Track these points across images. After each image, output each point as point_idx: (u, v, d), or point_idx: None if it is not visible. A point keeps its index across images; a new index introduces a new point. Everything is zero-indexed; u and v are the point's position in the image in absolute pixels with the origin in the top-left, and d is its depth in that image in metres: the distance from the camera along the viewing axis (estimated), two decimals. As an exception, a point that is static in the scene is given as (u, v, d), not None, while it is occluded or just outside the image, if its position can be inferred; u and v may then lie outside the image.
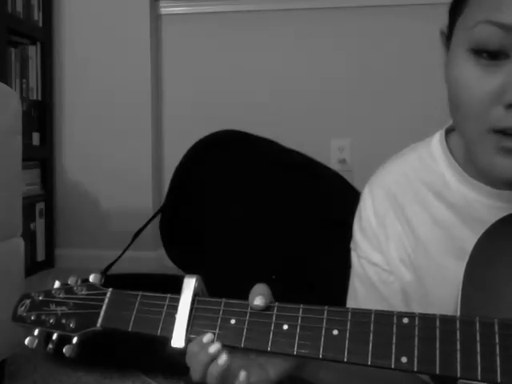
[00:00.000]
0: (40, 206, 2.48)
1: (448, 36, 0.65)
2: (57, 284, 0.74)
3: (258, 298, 0.61)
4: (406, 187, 0.74)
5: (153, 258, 2.41)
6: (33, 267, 2.35)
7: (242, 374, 0.60)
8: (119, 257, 1.96)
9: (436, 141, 0.74)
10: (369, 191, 0.77)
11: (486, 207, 0.67)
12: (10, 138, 1.35)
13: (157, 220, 1.94)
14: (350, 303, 0.79)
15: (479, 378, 0.51)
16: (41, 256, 2.49)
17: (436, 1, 2.30)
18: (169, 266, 1.95)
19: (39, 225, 2.48)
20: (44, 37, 2.50)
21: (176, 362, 1.44)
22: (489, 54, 0.58)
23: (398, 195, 0.74)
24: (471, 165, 0.68)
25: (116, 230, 2.47)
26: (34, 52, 2.46)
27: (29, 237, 2.36)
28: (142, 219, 2.01)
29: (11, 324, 1.24)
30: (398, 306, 0.73)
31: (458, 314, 0.57)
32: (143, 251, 2.33)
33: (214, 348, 0.60)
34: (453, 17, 0.63)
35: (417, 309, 0.71)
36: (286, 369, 0.62)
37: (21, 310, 0.74)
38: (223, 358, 0.60)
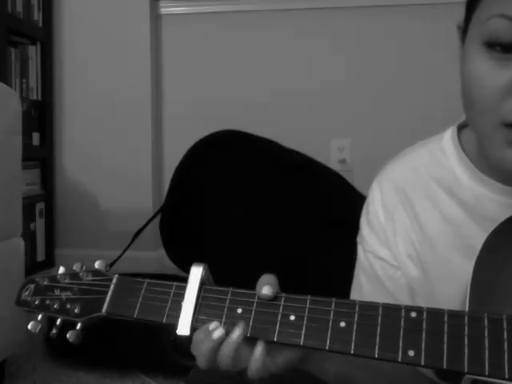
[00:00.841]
0: (40, 205, 2.48)
1: (464, 31, 0.65)
2: (61, 269, 0.73)
3: (266, 287, 0.60)
4: (415, 182, 0.74)
5: (153, 258, 2.41)
6: (33, 267, 2.34)
7: (258, 349, 0.59)
8: (119, 257, 1.96)
9: (448, 137, 0.74)
10: (377, 185, 0.77)
11: (497, 204, 0.67)
12: (10, 138, 1.35)
13: (157, 220, 1.94)
14: (354, 296, 0.79)
15: (487, 373, 0.51)
16: (41, 256, 2.49)
17: (435, 1, 2.32)
18: (169, 266, 1.95)
19: (39, 225, 2.47)
20: (44, 37, 2.50)
21: (176, 362, 1.44)
22: (502, 48, 0.58)
23: (408, 190, 0.74)
24: (483, 161, 0.68)
25: (116, 230, 2.47)
26: (34, 52, 2.46)
27: (29, 237, 2.36)
28: (142, 219, 2.01)
29: (12, 324, 1.24)
30: (403, 301, 0.73)
31: (467, 309, 0.57)
32: (143, 251, 2.33)
33: (219, 333, 0.59)
34: (469, 12, 0.64)
35: (422, 305, 0.71)
36: (291, 359, 0.62)
37: (25, 295, 0.73)
38: (236, 332, 0.59)
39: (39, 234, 2.47)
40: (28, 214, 2.35)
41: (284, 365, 0.62)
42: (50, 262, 2.53)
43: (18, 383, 1.43)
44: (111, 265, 1.90)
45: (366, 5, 2.43)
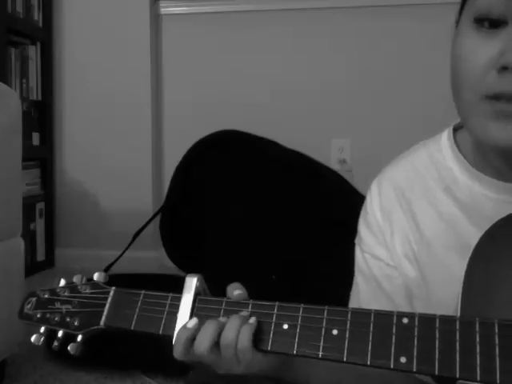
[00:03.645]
0: (40, 205, 2.48)
1: (458, 18, 0.66)
2: (62, 282, 0.75)
3: (237, 290, 0.63)
4: (414, 182, 0.74)
5: (153, 257, 2.41)
6: (33, 267, 2.35)
7: (253, 319, 0.60)
8: (119, 257, 1.96)
9: (445, 137, 0.74)
10: (377, 186, 0.77)
11: (494, 202, 0.67)
12: (10, 138, 1.35)
13: (157, 220, 1.95)
14: (353, 299, 0.79)
15: (478, 378, 0.51)
16: (41, 256, 2.49)
17: (434, 1, 2.31)
18: (169, 266, 1.95)
19: (39, 225, 2.48)
20: (44, 37, 2.50)
21: (176, 362, 1.44)
22: (490, 23, 0.59)
23: (406, 190, 0.74)
24: (479, 159, 0.69)
25: (116, 230, 2.47)
26: (33, 52, 2.46)
27: (29, 237, 2.36)
28: (142, 219, 2.01)
29: (12, 323, 1.25)
30: (400, 302, 0.73)
31: (459, 313, 0.57)
32: (143, 251, 2.33)
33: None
34: (462, 1, 0.65)
35: (419, 306, 0.71)
36: (262, 366, 0.62)
37: (27, 308, 0.75)
38: (254, 317, 0.60)
39: (39, 233, 2.48)
40: (28, 214, 2.35)
41: (259, 368, 0.62)
42: (50, 262, 2.54)
43: (17, 383, 1.44)
44: (111, 265, 1.91)
45: (365, 5, 2.43)
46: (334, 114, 2.48)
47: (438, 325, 0.54)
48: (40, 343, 0.72)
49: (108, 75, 2.52)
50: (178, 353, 0.62)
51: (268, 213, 1.74)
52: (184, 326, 0.62)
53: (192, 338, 0.61)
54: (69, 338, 0.71)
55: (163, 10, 2.57)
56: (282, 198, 1.74)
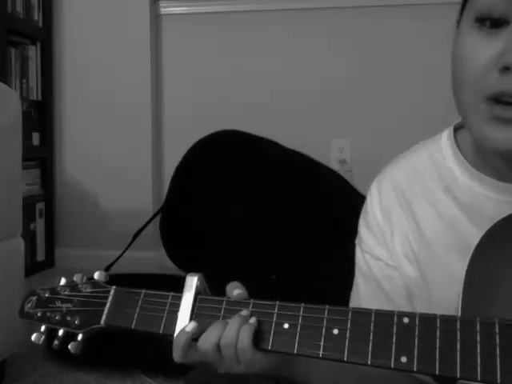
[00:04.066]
0: (40, 205, 2.48)
1: (459, 18, 0.66)
2: (62, 281, 0.75)
3: (237, 289, 0.63)
4: (414, 182, 0.74)
5: (153, 257, 2.41)
6: (33, 267, 2.35)
7: (253, 319, 0.61)
8: (119, 257, 1.96)
9: (445, 137, 0.74)
10: (377, 186, 0.77)
11: (494, 202, 0.67)
12: (10, 138, 1.35)
13: (157, 220, 1.95)
14: (353, 299, 0.79)
15: (479, 378, 0.51)
16: (41, 256, 2.49)
17: (435, 1, 2.31)
18: (169, 266, 1.95)
19: (39, 225, 2.48)
20: (44, 37, 2.50)
21: (176, 362, 1.44)
22: (491, 22, 0.59)
23: (406, 190, 0.74)
24: (480, 159, 0.69)
25: (116, 230, 2.47)
26: (33, 52, 2.46)
27: (29, 237, 2.36)
28: (142, 219, 2.01)
29: (12, 323, 1.25)
30: (400, 302, 0.73)
31: (459, 313, 0.57)
32: (143, 251, 2.33)
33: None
34: (464, 1, 0.65)
35: (420, 306, 0.71)
36: (262, 365, 0.62)
37: (27, 307, 0.75)
38: (254, 318, 0.60)
39: (39, 234, 2.48)
40: (28, 214, 2.35)
41: (259, 368, 0.62)
42: (50, 262, 2.54)
43: (17, 383, 1.44)
44: (111, 265, 1.91)
45: (365, 5, 2.43)
46: (334, 114, 2.48)
47: (438, 324, 0.54)
48: (40, 342, 0.72)
49: (108, 75, 2.52)
50: (176, 356, 0.63)
51: (268, 213, 1.74)
52: (182, 330, 0.62)
53: (190, 340, 0.62)
54: (69, 336, 0.71)
55: (163, 10, 2.57)
56: (281, 198, 1.74)
